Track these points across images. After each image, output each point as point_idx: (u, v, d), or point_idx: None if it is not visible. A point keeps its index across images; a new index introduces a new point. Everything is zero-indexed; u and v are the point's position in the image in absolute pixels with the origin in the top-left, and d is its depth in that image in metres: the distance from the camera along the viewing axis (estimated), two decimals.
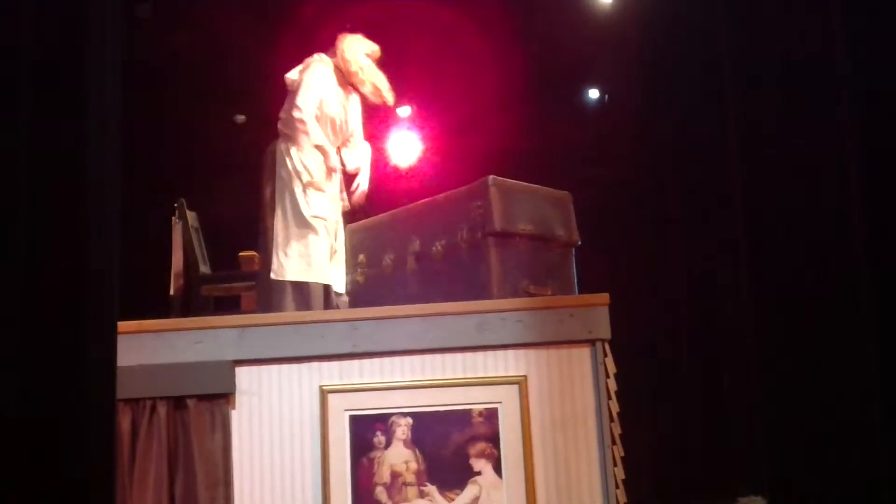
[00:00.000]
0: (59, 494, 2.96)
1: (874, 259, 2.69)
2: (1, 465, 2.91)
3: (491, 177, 4.47)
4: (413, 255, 4.65)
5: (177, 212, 5.59)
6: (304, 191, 4.93)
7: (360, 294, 4.84)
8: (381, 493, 4.06)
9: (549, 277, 4.50)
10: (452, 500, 4.05)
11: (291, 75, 5.14)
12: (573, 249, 4.71)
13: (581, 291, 4.60)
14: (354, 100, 5.25)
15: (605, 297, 4.20)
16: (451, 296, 4.32)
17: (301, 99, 5.00)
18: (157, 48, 6.87)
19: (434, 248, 4.58)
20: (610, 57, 7.22)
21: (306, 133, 4.96)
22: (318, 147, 4.98)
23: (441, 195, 4.72)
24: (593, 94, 7.76)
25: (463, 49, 7.14)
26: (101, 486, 3.09)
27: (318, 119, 5.02)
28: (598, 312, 4.16)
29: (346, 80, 5.16)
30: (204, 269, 5.58)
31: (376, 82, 5.16)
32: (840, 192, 2.73)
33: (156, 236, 5.66)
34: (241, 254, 5.69)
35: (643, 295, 6.37)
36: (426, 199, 4.82)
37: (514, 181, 4.56)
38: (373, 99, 5.22)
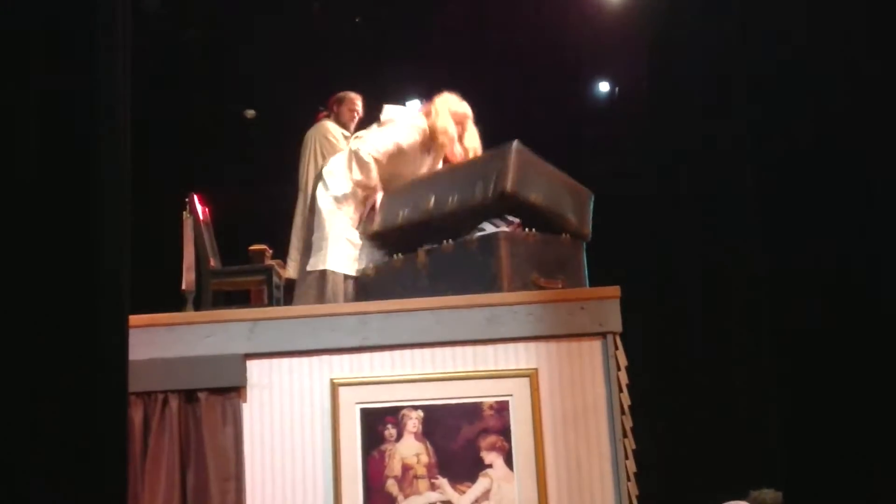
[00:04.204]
0: (73, 487, 2.98)
1: (891, 272, 2.67)
2: (15, 458, 2.93)
3: (517, 141, 4.49)
4: (423, 250, 4.66)
5: (187, 206, 5.59)
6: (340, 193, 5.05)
7: (370, 287, 4.84)
8: (392, 485, 4.07)
9: (560, 270, 4.50)
10: (464, 492, 4.05)
11: (391, 113, 5.18)
12: (583, 242, 4.70)
13: (591, 284, 4.59)
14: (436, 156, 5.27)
15: (615, 290, 4.19)
16: (461, 289, 4.32)
17: (379, 143, 5.06)
18: (167, 43, 6.88)
19: (444, 242, 4.60)
20: (619, 49, 7.20)
21: (368, 171, 5.02)
22: (358, 183, 5.03)
23: (466, 160, 4.82)
24: (603, 86, 7.74)
25: (472, 41, 7.13)
26: (113, 480, 3.11)
27: (382, 164, 5.07)
28: (608, 305, 4.16)
29: (431, 139, 5.16)
30: (215, 263, 5.58)
31: (456, 146, 5.16)
32: (854, 183, 2.71)
33: (167, 231, 5.67)
34: (250, 248, 5.69)
35: (654, 288, 6.36)
36: (450, 164, 4.92)
37: (540, 158, 4.57)
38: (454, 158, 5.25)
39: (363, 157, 5.04)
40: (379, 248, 5.01)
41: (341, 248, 4.97)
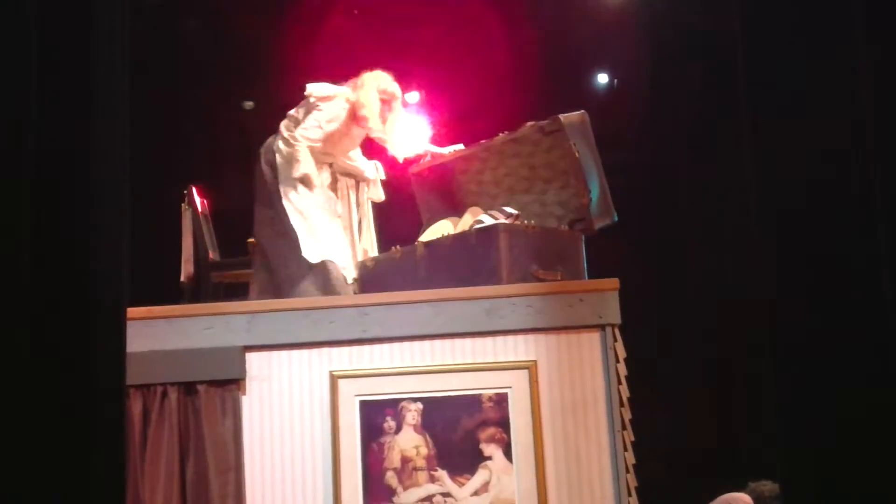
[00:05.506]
0: (71, 481, 2.98)
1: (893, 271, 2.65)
2: (13, 452, 2.92)
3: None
4: (423, 242, 4.66)
5: (186, 199, 5.59)
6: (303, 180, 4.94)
7: (370, 279, 4.84)
8: (391, 478, 4.07)
9: (559, 262, 4.50)
10: (463, 484, 4.05)
11: (315, 90, 5.06)
12: (582, 234, 4.70)
13: (590, 276, 4.58)
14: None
15: (614, 282, 4.19)
16: (460, 281, 4.32)
17: (307, 131, 4.99)
18: (164, 34, 6.87)
19: (444, 233, 4.60)
20: (619, 41, 7.19)
21: (297, 161, 4.96)
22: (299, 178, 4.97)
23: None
24: (603, 78, 7.73)
25: (471, 34, 7.12)
26: (112, 473, 3.10)
27: (315, 149, 5.00)
28: (607, 297, 4.16)
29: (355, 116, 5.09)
30: (213, 255, 5.58)
31: (377, 122, 5.08)
32: (860, 180, 2.70)
33: (166, 223, 5.67)
34: (249, 240, 5.69)
35: (653, 279, 6.37)
36: None
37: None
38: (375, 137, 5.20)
39: (296, 154, 4.97)
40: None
41: (328, 238, 4.93)
